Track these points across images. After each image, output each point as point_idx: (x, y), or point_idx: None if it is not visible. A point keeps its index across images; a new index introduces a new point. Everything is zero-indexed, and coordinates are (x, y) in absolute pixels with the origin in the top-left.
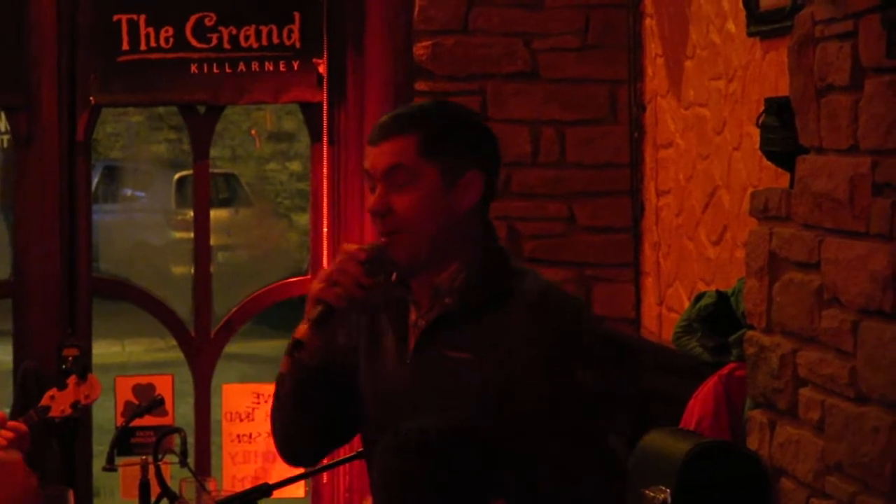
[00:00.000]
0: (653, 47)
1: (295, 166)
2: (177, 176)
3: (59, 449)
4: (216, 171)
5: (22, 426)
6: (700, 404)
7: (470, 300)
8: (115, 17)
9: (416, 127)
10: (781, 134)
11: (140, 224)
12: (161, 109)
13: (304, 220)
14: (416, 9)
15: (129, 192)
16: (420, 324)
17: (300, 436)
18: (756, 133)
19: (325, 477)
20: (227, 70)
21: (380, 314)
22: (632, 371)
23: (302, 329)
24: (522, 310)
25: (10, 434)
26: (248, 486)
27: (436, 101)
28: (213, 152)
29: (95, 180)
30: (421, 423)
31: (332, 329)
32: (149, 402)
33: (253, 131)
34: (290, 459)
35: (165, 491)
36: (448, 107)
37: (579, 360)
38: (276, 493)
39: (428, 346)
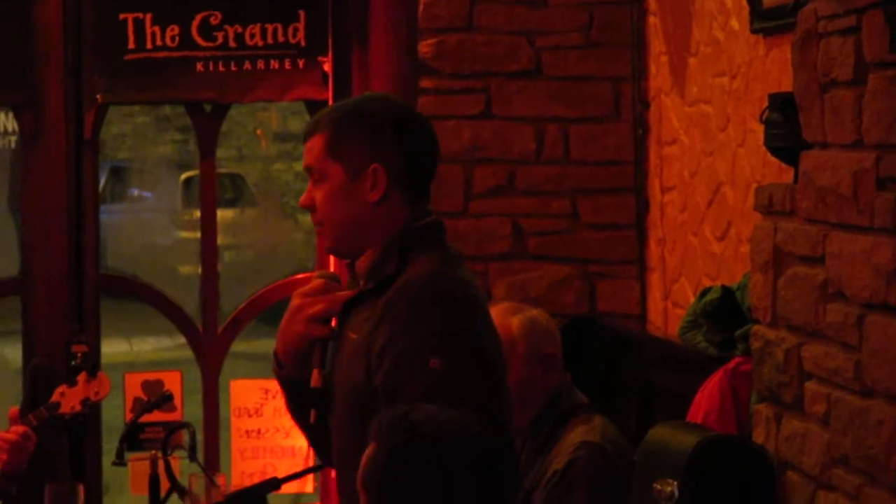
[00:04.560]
0: (656, 44)
1: (300, 166)
2: (183, 176)
3: (69, 445)
4: (222, 171)
5: (22, 428)
6: (706, 399)
7: (367, 285)
8: (122, 16)
9: (323, 128)
10: (785, 129)
11: (147, 224)
12: (167, 110)
13: (308, 219)
14: (421, 6)
15: (135, 192)
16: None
17: (310, 436)
18: (760, 129)
19: (333, 472)
20: (233, 68)
21: None
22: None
23: (315, 377)
24: (391, 296)
25: (11, 437)
26: (256, 480)
27: (363, 96)
28: (219, 153)
29: (102, 181)
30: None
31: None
32: (158, 397)
33: (259, 131)
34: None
35: (175, 486)
36: (361, 104)
37: (427, 348)
38: (285, 488)
39: (343, 328)
